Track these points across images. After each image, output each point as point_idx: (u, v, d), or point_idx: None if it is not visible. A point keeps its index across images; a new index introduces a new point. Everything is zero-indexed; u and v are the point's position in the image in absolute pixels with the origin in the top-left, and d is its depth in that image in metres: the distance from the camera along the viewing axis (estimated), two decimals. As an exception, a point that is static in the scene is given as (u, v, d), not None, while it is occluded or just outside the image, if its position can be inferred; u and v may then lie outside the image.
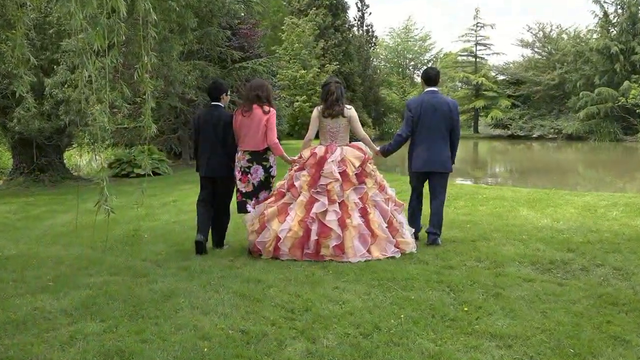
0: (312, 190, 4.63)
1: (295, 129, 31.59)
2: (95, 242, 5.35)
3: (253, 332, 2.98)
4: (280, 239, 4.53)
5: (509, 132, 41.29)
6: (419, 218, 5.17)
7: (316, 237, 4.48)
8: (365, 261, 4.41)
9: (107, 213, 2.79)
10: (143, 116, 3.08)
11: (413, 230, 4.94)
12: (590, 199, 7.49)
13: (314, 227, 4.51)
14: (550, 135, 37.40)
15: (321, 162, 4.71)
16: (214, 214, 5.01)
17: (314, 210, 4.55)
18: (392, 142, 5.21)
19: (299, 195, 4.65)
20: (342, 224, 4.52)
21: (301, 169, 4.79)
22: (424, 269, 4.18)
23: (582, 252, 4.57)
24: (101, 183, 2.74)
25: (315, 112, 4.94)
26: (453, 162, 5.18)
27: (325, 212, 4.55)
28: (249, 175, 4.83)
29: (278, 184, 4.90)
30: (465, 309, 3.29)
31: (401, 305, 3.37)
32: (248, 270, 4.20)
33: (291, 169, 4.89)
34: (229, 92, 5.17)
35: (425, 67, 5.75)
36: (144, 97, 3.00)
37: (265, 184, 4.89)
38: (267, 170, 4.85)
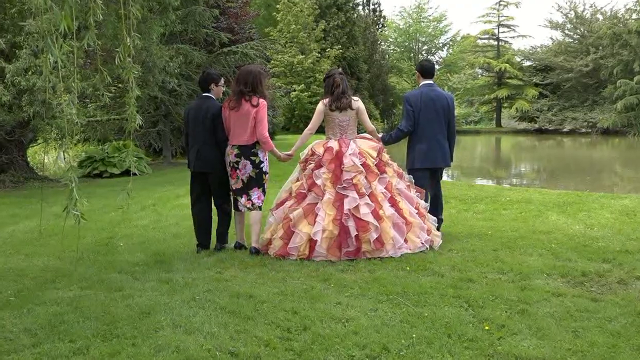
0: (338, 186, 4.95)
1: (292, 122, 31.63)
2: (63, 252, 5.35)
3: (243, 354, 2.98)
4: (316, 241, 4.81)
5: (536, 126, 41.33)
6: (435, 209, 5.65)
7: (356, 233, 4.80)
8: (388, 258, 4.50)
9: (77, 219, 2.78)
10: (127, 106, 3.06)
11: (436, 220, 5.44)
12: (629, 203, 7.50)
13: (351, 224, 4.84)
14: (583, 130, 37.46)
15: (339, 156, 5.06)
16: (209, 214, 5.30)
17: (346, 206, 4.86)
18: (393, 133, 5.62)
19: (324, 193, 4.95)
20: (377, 216, 4.88)
21: (318, 166, 5.08)
22: (438, 281, 4.18)
23: (620, 263, 4.58)
24: (69, 184, 2.74)
25: (321, 105, 5.28)
26: (452, 158, 5.65)
27: (357, 207, 4.88)
28: (237, 171, 5.09)
29: (295, 186, 5.16)
30: (486, 327, 3.30)
31: (413, 323, 3.37)
32: (238, 284, 4.20)
33: (304, 168, 5.19)
34: (221, 81, 5.34)
35: (421, 60, 6.19)
36: (125, 85, 3.00)
37: (256, 181, 5.10)
38: (256, 165, 5.07)
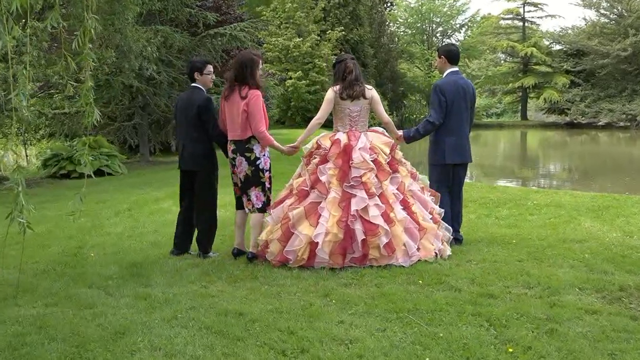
0: (345, 184, 5.01)
1: (288, 114, 31.63)
2: (24, 263, 5.34)
3: (232, 380, 2.98)
4: (316, 244, 4.85)
5: (567, 119, 41.37)
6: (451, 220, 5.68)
7: (363, 237, 4.85)
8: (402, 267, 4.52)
9: (22, 228, 2.75)
10: (82, 99, 3.04)
11: (450, 231, 5.49)
12: (673, 207, 7.52)
13: (358, 227, 4.89)
14: (622, 123, 37.46)
15: (347, 150, 5.09)
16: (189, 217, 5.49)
17: (353, 207, 4.92)
18: (420, 127, 5.68)
19: (329, 191, 5.00)
20: (387, 219, 4.95)
21: (324, 161, 5.14)
22: (455, 297, 4.18)
23: (663, 276, 4.58)
24: (15, 188, 2.71)
25: (331, 93, 5.31)
26: None
27: (366, 208, 4.93)
28: (235, 169, 5.25)
29: (296, 182, 5.22)
30: (510, 350, 3.30)
31: (426, 345, 3.37)
32: (226, 300, 4.21)
33: (307, 163, 5.25)
34: (206, 69, 5.44)
35: (445, 43, 6.37)
36: (79, 74, 2.98)
37: (253, 180, 5.21)
38: (252, 162, 5.17)
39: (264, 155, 5.23)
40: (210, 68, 5.46)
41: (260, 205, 5.25)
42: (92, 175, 3.48)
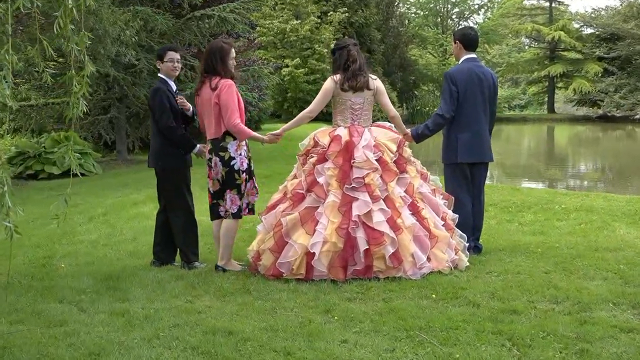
0: (345, 186, 5.00)
1: (284, 106, 31.66)
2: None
3: (221, 407, 2.99)
4: (312, 255, 4.84)
5: (600, 112, 41.37)
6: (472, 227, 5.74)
7: (366, 247, 4.84)
8: (421, 278, 4.52)
9: (9, 233, 2.78)
10: (75, 87, 3.03)
11: (465, 239, 5.47)
12: None
13: (360, 235, 4.88)
14: (662, 117, 37.42)
15: (349, 148, 5.08)
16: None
17: (355, 212, 4.90)
18: (430, 123, 5.67)
19: (327, 195, 5.00)
20: (393, 226, 4.92)
21: (322, 160, 5.11)
22: (473, 313, 4.19)
23: None
24: (0, 188, 2.74)
25: (331, 82, 5.29)
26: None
27: (370, 213, 4.90)
28: (211, 171, 5.28)
29: (291, 185, 5.23)
30: (535, 372, 3.30)
31: (440, 367, 3.38)
32: (214, 316, 4.21)
33: (304, 162, 5.25)
34: (167, 55, 5.45)
35: (462, 27, 6.40)
36: (67, 60, 2.98)
37: (228, 182, 5.23)
38: (226, 163, 5.20)
39: (240, 155, 5.23)
40: (171, 55, 5.43)
41: (236, 210, 5.26)
42: (79, 174, 3.48)
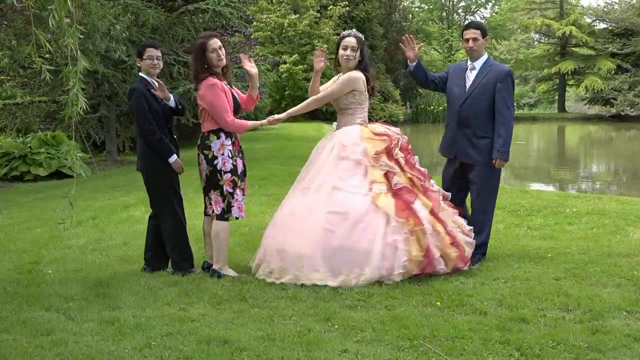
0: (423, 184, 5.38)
1: (282, 104, 31.58)
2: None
3: (216, 420, 2.99)
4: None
5: (613, 111, 41.40)
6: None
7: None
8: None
9: None
10: (71, 84, 3.03)
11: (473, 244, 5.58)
12: None
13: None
14: (678, 116, 37.44)
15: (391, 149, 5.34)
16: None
17: (419, 212, 5.15)
18: (504, 131, 6.17)
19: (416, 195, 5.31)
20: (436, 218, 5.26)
21: (390, 155, 5.31)
22: (480, 322, 4.19)
23: None
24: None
25: (359, 75, 5.38)
26: None
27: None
28: (200, 166, 5.40)
29: (397, 183, 5.22)
30: (545, 384, 3.31)
31: (445, 378, 3.39)
32: (208, 325, 4.21)
33: (377, 160, 5.23)
34: (146, 52, 5.42)
35: (469, 20, 6.46)
36: (61, 55, 2.99)
37: (211, 182, 5.29)
38: (209, 161, 5.27)
39: (222, 154, 5.23)
40: (150, 52, 5.38)
41: (219, 212, 5.28)
42: (84, 175, 3.48)
